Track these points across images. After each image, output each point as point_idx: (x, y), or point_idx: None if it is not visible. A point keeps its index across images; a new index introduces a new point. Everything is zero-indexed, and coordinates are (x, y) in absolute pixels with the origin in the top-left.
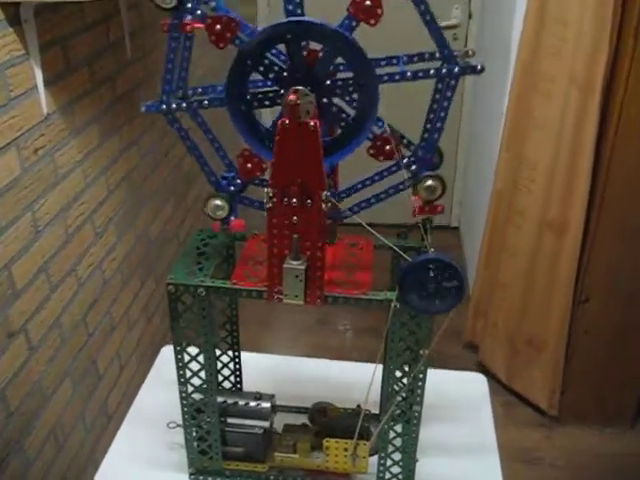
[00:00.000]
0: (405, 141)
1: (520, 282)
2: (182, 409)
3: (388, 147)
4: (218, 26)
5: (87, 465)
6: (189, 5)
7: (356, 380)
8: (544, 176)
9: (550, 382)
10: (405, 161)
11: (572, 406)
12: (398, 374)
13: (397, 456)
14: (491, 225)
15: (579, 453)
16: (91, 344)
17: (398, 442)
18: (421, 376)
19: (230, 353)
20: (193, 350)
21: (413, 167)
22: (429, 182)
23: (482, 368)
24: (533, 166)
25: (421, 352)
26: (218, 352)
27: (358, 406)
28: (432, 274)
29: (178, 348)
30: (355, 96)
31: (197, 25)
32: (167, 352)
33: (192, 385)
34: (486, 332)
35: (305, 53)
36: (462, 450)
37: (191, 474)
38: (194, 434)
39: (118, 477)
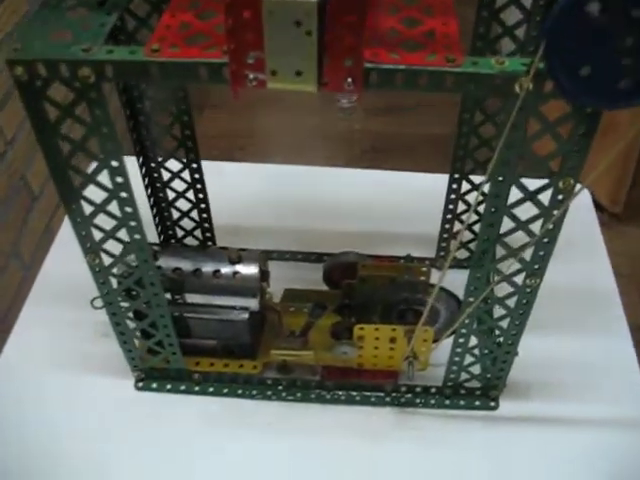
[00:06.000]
0: None
1: None
2: (100, 292)
3: None
4: None
5: None
6: None
7: (407, 204)
8: None
9: (617, 173)
10: None
11: None
12: (487, 230)
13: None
14: None
15: None
16: (14, 156)
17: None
18: (546, 241)
19: (186, 176)
20: (96, 194)
21: None
22: None
23: None
24: None
25: (561, 185)
26: (167, 176)
27: (408, 256)
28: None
29: (62, 184)
30: None
31: None
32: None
33: (109, 254)
34: None
35: None
36: (578, 321)
37: (138, 381)
38: (130, 326)
39: (17, 383)
